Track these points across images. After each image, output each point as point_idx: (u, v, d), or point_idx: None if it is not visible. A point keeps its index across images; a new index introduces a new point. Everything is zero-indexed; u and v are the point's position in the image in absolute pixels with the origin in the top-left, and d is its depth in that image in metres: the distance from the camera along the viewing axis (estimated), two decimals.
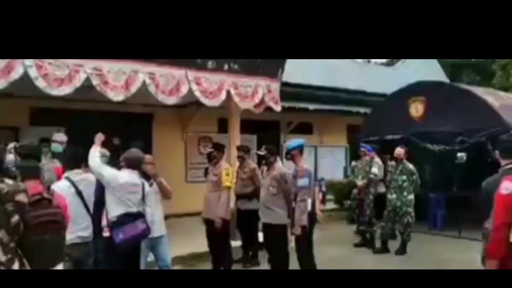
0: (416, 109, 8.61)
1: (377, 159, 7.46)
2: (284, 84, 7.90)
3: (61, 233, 2.70)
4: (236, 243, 6.12)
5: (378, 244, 7.02)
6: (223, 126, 8.51)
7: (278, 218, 4.87)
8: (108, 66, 5.25)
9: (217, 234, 5.24)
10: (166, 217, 4.62)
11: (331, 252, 6.59)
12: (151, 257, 4.56)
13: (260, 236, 5.64)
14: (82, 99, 6.71)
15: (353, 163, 8.04)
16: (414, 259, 6.44)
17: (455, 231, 7.72)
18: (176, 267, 5.34)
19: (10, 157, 3.74)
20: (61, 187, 3.43)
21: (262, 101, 6.97)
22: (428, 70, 14.21)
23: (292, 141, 5.10)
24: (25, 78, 4.71)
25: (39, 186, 2.68)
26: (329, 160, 11.82)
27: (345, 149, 12.26)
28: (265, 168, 5.32)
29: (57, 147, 5.46)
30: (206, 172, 5.85)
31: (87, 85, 5.18)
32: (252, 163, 6.25)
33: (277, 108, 7.20)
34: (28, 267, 2.37)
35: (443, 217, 8.67)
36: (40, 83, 4.81)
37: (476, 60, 19.32)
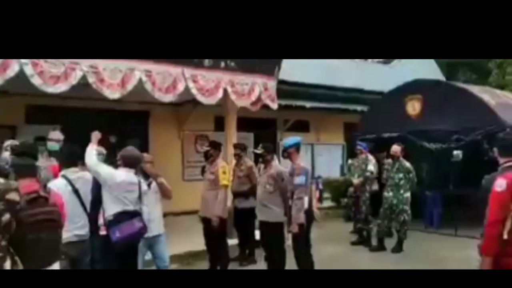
0: (413, 107, 8.63)
1: (370, 157, 7.48)
2: (281, 82, 7.91)
3: (58, 232, 2.69)
4: (233, 241, 6.12)
5: (374, 242, 7.04)
6: (219, 124, 8.50)
7: (275, 216, 4.87)
8: (104, 64, 5.23)
9: (214, 233, 5.24)
10: (163, 215, 4.61)
11: (328, 250, 6.60)
12: (148, 256, 4.55)
13: (257, 234, 5.64)
14: (78, 97, 6.68)
15: (350, 161, 8.05)
16: (411, 257, 6.46)
17: (452, 229, 7.75)
18: (173, 266, 5.32)
19: (6, 155, 3.73)
20: (58, 185, 3.41)
21: (258, 99, 6.97)
22: (424, 68, 14.23)
23: (289, 139, 5.09)
24: (21, 75, 4.69)
25: (35, 184, 2.66)
26: (326, 158, 11.83)
27: (342, 147, 12.28)
28: (262, 166, 5.32)
29: (53, 146, 5.44)
30: (203, 171, 5.85)
31: (83, 83, 5.15)
32: (249, 161, 6.25)
33: (274, 106, 7.20)
34: (20, 266, 2.36)
35: (440, 215, 8.69)
36: (36, 81, 4.79)
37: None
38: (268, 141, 5.80)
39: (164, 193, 4.48)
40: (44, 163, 4.76)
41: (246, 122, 8.24)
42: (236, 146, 6.39)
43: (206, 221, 5.34)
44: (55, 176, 3.79)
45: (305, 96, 10.60)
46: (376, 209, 7.17)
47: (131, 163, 3.81)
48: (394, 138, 7.75)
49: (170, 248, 4.78)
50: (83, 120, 6.81)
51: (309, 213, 4.83)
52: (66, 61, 4.96)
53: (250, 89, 6.78)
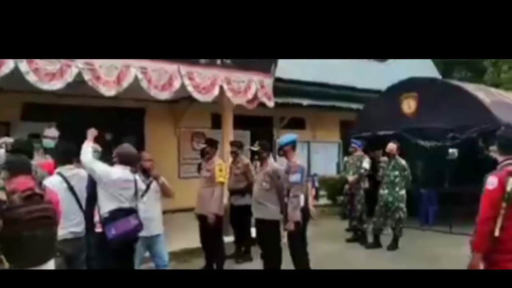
0: (409, 105, 8.65)
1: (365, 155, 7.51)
2: (277, 80, 7.90)
3: (53, 229, 2.69)
4: (229, 239, 6.13)
5: (370, 239, 7.07)
6: (216, 122, 8.49)
7: (270, 214, 4.88)
8: (100, 61, 5.20)
9: (210, 230, 5.24)
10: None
11: (324, 248, 6.62)
12: (146, 253, 4.53)
13: (253, 232, 5.65)
14: (73, 94, 6.66)
15: (345, 158, 8.08)
16: (406, 254, 6.49)
17: (446, 227, 7.79)
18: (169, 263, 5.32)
19: (1, 152, 3.71)
20: (53, 183, 3.40)
21: (255, 96, 6.96)
22: (420, 66, 14.23)
23: (285, 137, 5.09)
24: (16, 72, 4.66)
25: (30, 182, 2.66)
26: (322, 156, 11.84)
27: (338, 144, 12.30)
28: (257, 163, 5.32)
29: (49, 143, 5.40)
30: (199, 168, 5.84)
31: (78, 80, 5.13)
32: (245, 159, 6.25)
33: (270, 103, 7.20)
34: (6, 264, 2.35)
35: (435, 212, 8.73)
36: (31, 78, 4.76)
37: None
38: (264, 138, 5.79)
39: (166, 193, 4.49)
40: (39, 160, 4.74)
41: (242, 120, 8.23)
42: (232, 143, 6.39)
43: (202, 219, 5.34)
44: (50, 173, 3.77)
45: (301, 94, 10.60)
46: (371, 207, 7.19)
47: (126, 160, 3.80)
48: (390, 136, 7.78)
49: (166, 245, 4.77)
50: (79, 117, 6.79)
51: (305, 211, 4.84)
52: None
53: (246, 86, 6.78)
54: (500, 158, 2.80)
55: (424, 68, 14.09)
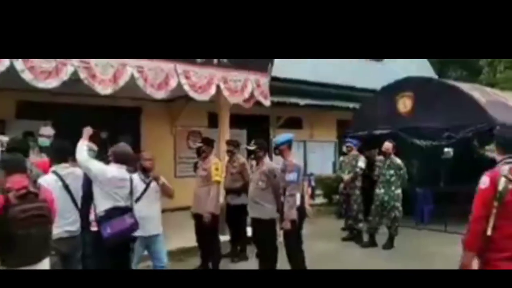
0: (404, 104, 8.67)
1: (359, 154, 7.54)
2: (274, 79, 7.90)
3: (48, 227, 2.68)
4: (224, 238, 6.13)
5: (365, 238, 7.09)
6: (213, 121, 8.48)
7: (267, 213, 4.88)
8: (95, 59, 5.18)
9: (205, 229, 5.24)
10: None
11: (320, 246, 6.64)
12: (144, 252, 4.50)
13: (249, 231, 5.65)
14: (69, 92, 6.63)
15: (341, 158, 8.10)
16: (401, 253, 6.52)
17: (441, 226, 7.83)
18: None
19: None
20: (48, 181, 3.40)
21: (251, 95, 6.96)
22: (416, 65, 14.28)
23: (281, 136, 5.09)
24: (11, 70, 4.64)
25: (25, 180, 2.65)
26: (318, 155, 11.86)
27: (334, 144, 12.32)
28: (253, 162, 5.32)
29: (44, 141, 5.40)
30: (195, 167, 5.84)
31: (74, 78, 5.11)
32: (241, 158, 6.25)
33: (267, 102, 7.20)
34: None
35: (430, 211, 8.77)
36: (27, 76, 4.74)
37: None
38: (261, 137, 5.80)
39: (167, 193, 4.45)
40: (34, 159, 4.73)
41: (239, 119, 8.23)
42: (229, 142, 6.38)
43: (198, 218, 5.34)
44: (46, 172, 3.77)
45: (298, 93, 10.59)
46: (367, 206, 7.22)
47: (122, 159, 3.80)
48: (386, 135, 7.80)
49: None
50: (74, 116, 6.77)
51: (301, 210, 4.85)
52: None
53: (243, 85, 6.77)
54: (498, 157, 2.82)
55: (420, 67, 14.14)
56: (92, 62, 5.16)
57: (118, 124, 8.25)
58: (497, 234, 2.56)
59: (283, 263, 4.85)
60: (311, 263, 4.95)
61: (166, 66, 5.85)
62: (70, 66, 5.01)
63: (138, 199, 4.14)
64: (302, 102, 10.46)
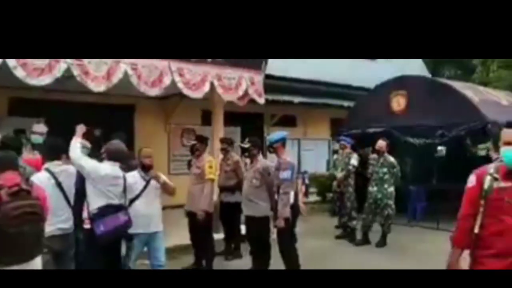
0: (398, 103, 8.72)
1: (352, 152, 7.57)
2: (268, 77, 7.90)
3: (40, 225, 2.67)
4: (218, 236, 6.13)
5: (359, 236, 7.13)
6: (207, 118, 8.47)
7: (260, 211, 4.89)
8: None
9: (199, 227, 5.24)
10: None
11: (313, 244, 6.66)
12: (144, 249, 4.47)
13: (243, 229, 5.65)
14: (62, 89, 6.58)
15: (335, 156, 8.12)
16: (394, 250, 6.57)
17: (434, 223, 7.88)
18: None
19: None
20: (41, 179, 3.38)
21: (245, 93, 6.95)
22: (410, 64, 14.34)
23: (275, 134, 5.10)
24: (4, 67, 4.60)
25: (17, 177, 2.64)
26: (312, 153, 11.89)
27: (328, 142, 12.35)
28: (247, 160, 5.32)
29: (37, 138, 5.37)
30: (189, 165, 5.83)
31: (67, 76, 5.08)
32: (235, 156, 6.24)
33: (261, 100, 7.19)
34: None
35: (423, 209, 8.83)
36: (19, 73, 4.70)
37: None
38: (255, 135, 5.80)
39: (168, 191, 4.37)
40: (27, 156, 4.70)
41: (233, 117, 8.22)
42: (223, 140, 6.37)
43: (192, 215, 5.34)
44: (38, 169, 3.75)
45: (292, 91, 10.61)
46: (361, 204, 7.25)
47: (116, 156, 3.78)
48: (379, 133, 7.84)
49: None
50: (68, 113, 6.71)
51: (295, 208, 4.86)
52: None
53: (237, 83, 6.76)
54: (494, 155, 2.85)
55: (414, 66, 14.19)
56: (85, 59, 5.13)
57: (111, 122, 8.16)
58: (484, 232, 2.60)
59: (276, 260, 4.86)
60: (304, 261, 4.97)
61: (160, 63, 5.83)
62: (63, 63, 4.98)
63: (138, 196, 4.12)
64: (296, 100, 10.48)
